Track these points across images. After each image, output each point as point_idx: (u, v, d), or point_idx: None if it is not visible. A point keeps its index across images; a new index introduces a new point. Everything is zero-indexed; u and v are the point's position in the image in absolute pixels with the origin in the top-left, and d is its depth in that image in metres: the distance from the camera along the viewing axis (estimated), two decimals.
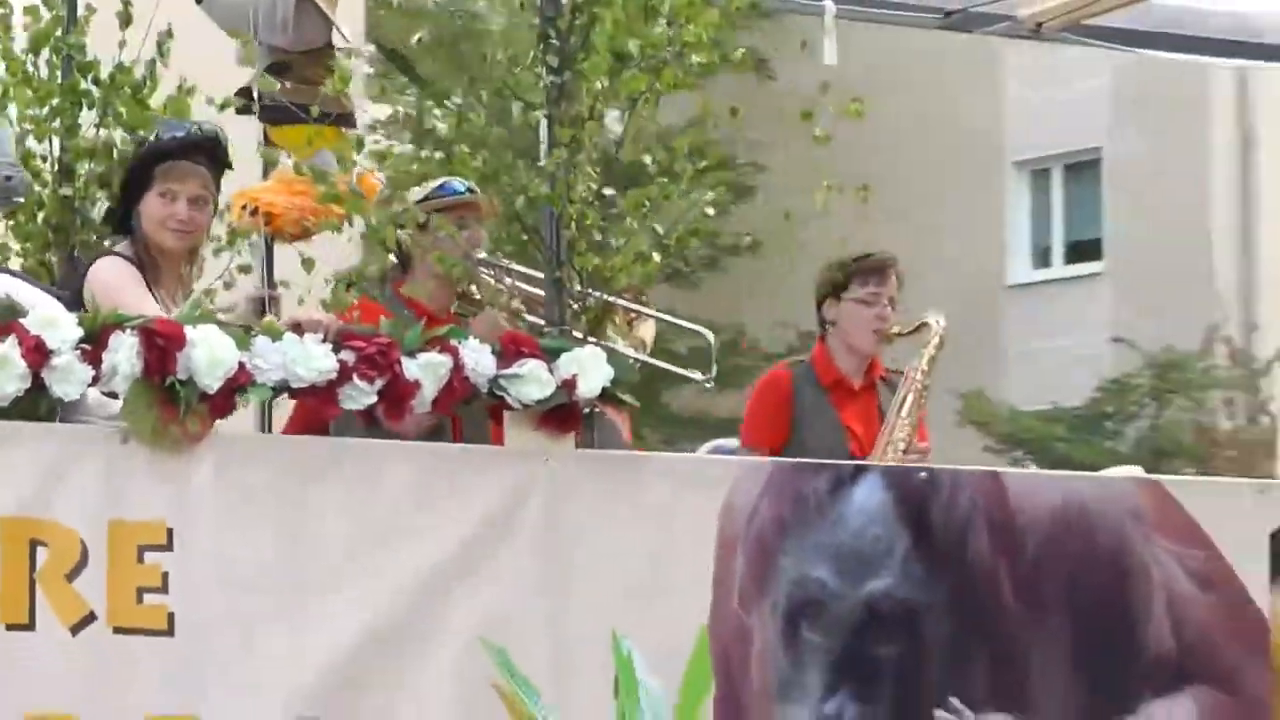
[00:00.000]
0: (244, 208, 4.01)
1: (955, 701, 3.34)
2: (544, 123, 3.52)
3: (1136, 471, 4.89)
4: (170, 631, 2.97)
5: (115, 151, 3.98)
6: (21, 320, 2.95)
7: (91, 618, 2.93)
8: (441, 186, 4.03)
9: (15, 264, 4.02)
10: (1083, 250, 17.38)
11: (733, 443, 4.94)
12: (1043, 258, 17.78)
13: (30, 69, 4.08)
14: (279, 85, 4.05)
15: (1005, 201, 17.50)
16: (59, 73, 4.10)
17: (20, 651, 2.91)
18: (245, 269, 4.10)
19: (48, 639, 2.92)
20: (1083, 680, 3.55)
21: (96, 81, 4.09)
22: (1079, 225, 17.49)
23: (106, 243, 3.80)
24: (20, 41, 4.08)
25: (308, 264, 4.00)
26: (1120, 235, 16.72)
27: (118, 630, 2.95)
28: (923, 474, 3.58)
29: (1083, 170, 17.41)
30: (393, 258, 4.07)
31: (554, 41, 3.44)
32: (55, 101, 4.05)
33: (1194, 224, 15.97)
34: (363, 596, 3.10)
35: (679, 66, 3.51)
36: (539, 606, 3.22)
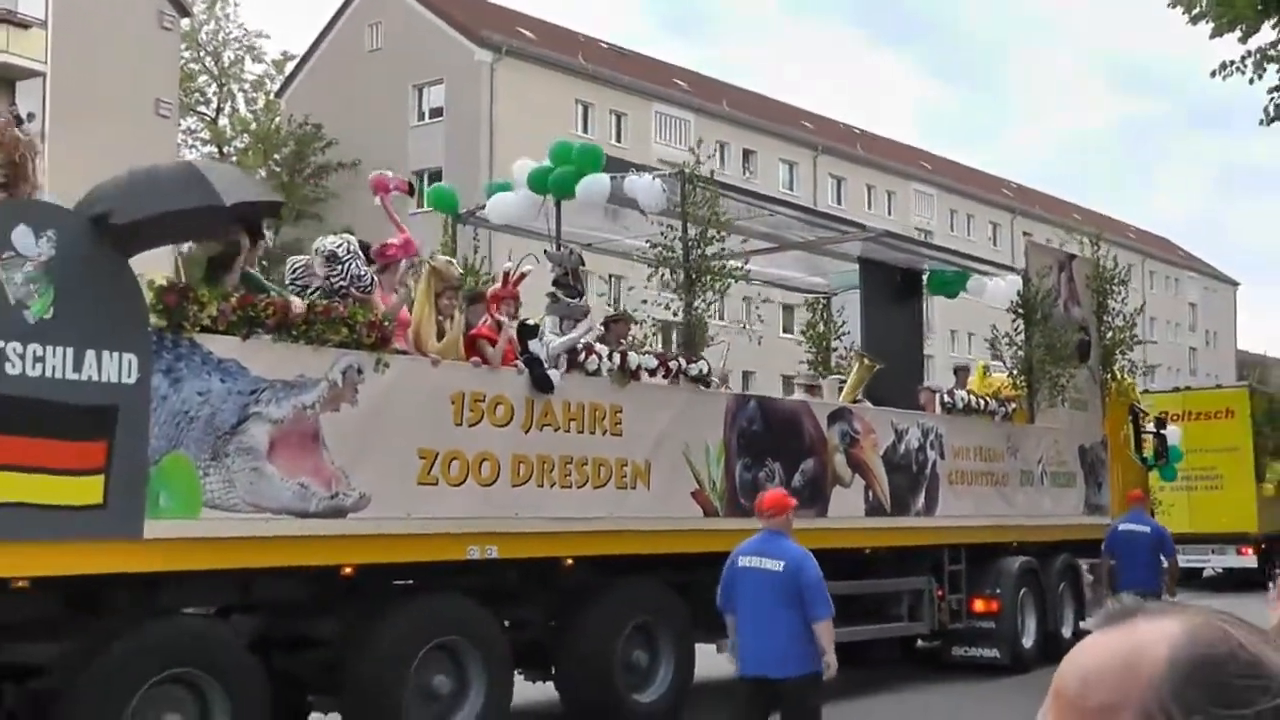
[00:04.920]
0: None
1: (768, 460, 12.39)
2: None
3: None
4: None
5: None
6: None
7: None
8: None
9: None
10: None
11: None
12: None
13: None
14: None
15: None
16: None
17: None
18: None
19: None
20: (787, 456, 12.46)
21: None
22: None
23: None
24: None
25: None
26: None
27: None
28: (769, 397, 12.67)
29: None
30: None
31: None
32: None
33: None
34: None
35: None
36: (691, 437, 11.45)
